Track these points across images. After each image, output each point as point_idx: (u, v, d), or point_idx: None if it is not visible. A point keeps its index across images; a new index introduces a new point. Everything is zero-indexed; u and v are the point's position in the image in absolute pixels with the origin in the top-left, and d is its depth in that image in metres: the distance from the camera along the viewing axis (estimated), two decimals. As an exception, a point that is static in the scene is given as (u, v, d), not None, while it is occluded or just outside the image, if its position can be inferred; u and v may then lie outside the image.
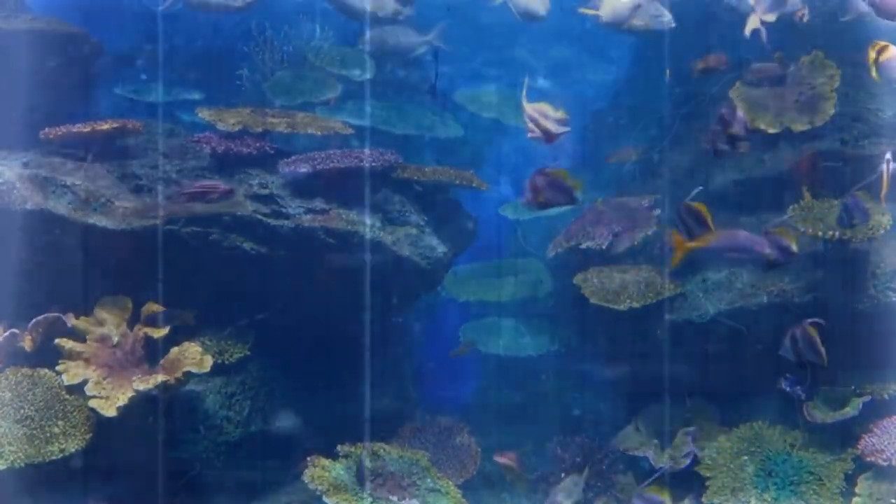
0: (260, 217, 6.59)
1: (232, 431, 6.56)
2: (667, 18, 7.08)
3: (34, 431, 5.86)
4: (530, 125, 5.38)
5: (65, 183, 6.41)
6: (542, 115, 5.36)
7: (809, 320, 5.89)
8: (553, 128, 5.36)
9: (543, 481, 7.02)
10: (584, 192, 8.47)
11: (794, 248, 5.85)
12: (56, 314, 6.25)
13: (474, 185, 7.30)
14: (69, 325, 6.25)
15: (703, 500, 6.36)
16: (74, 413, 5.96)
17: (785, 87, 7.13)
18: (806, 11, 7.13)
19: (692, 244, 5.67)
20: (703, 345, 6.94)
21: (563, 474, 6.94)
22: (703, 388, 7.05)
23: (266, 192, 6.70)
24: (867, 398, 6.48)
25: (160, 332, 6.33)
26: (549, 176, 5.04)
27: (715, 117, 5.55)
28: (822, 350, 5.90)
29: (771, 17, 6.84)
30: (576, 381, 8.23)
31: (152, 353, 6.34)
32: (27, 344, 6.18)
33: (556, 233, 7.96)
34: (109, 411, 5.86)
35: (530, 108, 5.38)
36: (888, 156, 6.25)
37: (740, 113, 5.36)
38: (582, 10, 7.47)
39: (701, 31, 7.87)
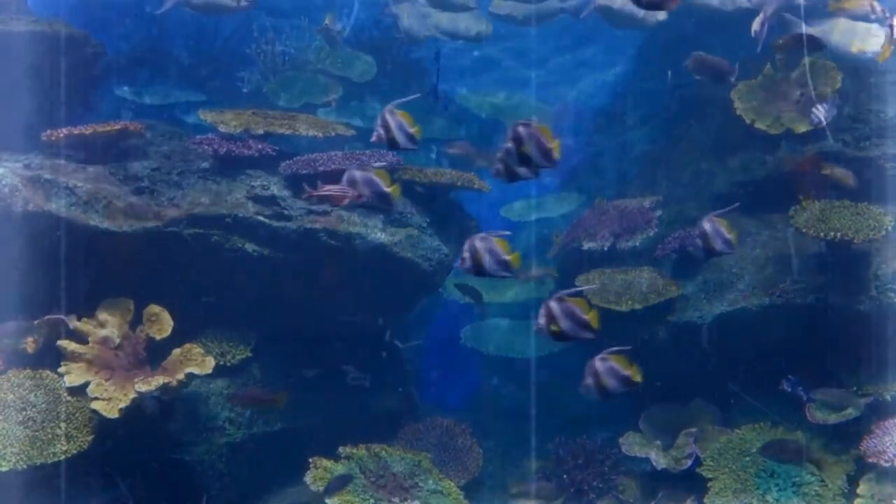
0: (262, 219, 6.59)
1: (234, 433, 6.56)
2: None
3: (36, 433, 5.86)
4: (379, 131, 5.28)
5: (66, 185, 6.41)
6: (398, 124, 5.24)
7: (717, 212, 5.82)
8: (400, 140, 5.26)
9: (545, 482, 7.02)
10: (587, 193, 8.55)
11: (733, 238, 5.73)
12: (58, 316, 6.25)
13: (476, 186, 7.30)
14: (71, 326, 6.26)
15: (705, 500, 6.36)
16: (76, 415, 5.96)
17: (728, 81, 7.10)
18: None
19: None
20: (705, 345, 6.93)
21: (564, 476, 6.95)
22: (704, 388, 7.05)
23: (268, 193, 6.71)
24: (869, 399, 6.48)
25: (162, 334, 6.34)
26: (488, 241, 4.99)
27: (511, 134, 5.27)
28: (731, 237, 5.73)
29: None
30: (577, 382, 8.22)
31: (154, 355, 6.36)
32: (29, 346, 6.19)
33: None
34: (111, 413, 5.86)
35: (389, 114, 5.24)
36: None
37: (535, 130, 4.97)
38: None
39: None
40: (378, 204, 5.61)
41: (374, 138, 5.35)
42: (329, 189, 5.95)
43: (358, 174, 5.52)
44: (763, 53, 7.23)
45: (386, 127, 5.26)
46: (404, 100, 5.47)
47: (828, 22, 7.25)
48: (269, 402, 6.45)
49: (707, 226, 5.71)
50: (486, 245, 4.93)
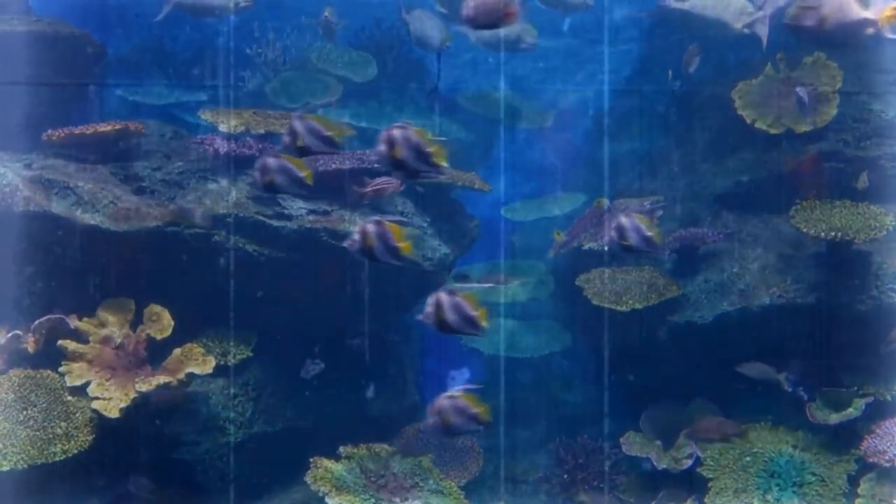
0: (262, 218, 6.59)
1: (234, 433, 6.56)
2: None
3: (37, 433, 5.86)
4: (284, 139, 5.12)
5: (67, 184, 6.42)
6: (310, 130, 5.05)
7: (648, 205, 5.71)
8: (311, 144, 5.12)
9: (546, 482, 7.02)
10: (587, 193, 8.53)
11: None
12: (59, 316, 6.25)
13: (476, 186, 7.30)
14: (72, 326, 6.26)
15: (706, 500, 6.36)
16: (77, 414, 5.97)
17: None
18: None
19: None
20: (705, 345, 6.93)
21: (565, 476, 6.95)
22: (705, 388, 7.05)
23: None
24: (870, 399, 6.48)
25: (163, 334, 6.34)
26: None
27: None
28: (651, 235, 5.56)
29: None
30: (577, 383, 8.23)
31: (155, 355, 6.36)
32: (30, 345, 6.19)
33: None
34: (112, 413, 5.86)
35: (298, 121, 5.07)
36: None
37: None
38: None
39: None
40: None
41: (279, 148, 5.27)
42: (377, 183, 5.95)
43: (271, 161, 5.32)
44: (764, 54, 7.25)
45: (293, 134, 5.08)
46: (323, 102, 5.33)
47: None
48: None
49: (624, 220, 5.55)
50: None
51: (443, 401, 4.89)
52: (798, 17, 6.96)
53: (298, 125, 5.08)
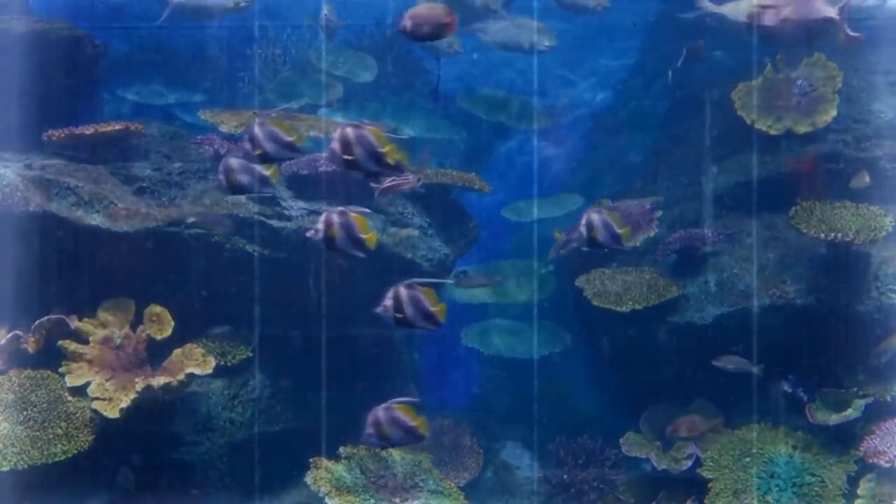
0: (262, 219, 6.59)
1: (235, 433, 6.56)
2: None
3: (37, 433, 5.86)
4: (245, 145, 5.04)
5: (67, 185, 6.42)
6: (270, 136, 4.96)
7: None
8: (272, 150, 5.01)
9: (546, 482, 7.03)
10: (588, 194, 8.53)
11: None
12: (59, 316, 6.25)
13: (477, 187, 7.30)
14: (72, 326, 6.26)
15: (706, 501, 6.36)
16: (77, 415, 5.97)
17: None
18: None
19: None
20: (705, 346, 6.93)
21: (565, 476, 6.96)
22: (705, 389, 7.05)
23: (269, 193, 6.70)
24: (869, 400, 6.48)
25: (163, 334, 6.34)
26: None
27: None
28: (621, 233, 5.46)
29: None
30: (578, 383, 8.24)
31: (155, 355, 6.36)
32: (30, 346, 6.19)
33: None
34: (112, 413, 5.86)
35: (258, 126, 4.98)
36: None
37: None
38: None
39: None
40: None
41: (239, 154, 5.22)
42: (395, 180, 5.95)
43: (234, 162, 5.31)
44: (765, 53, 7.26)
45: (252, 140, 5.01)
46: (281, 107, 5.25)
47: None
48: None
49: (594, 216, 5.48)
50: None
51: (379, 412, 4.84)
52: (757, 17, 6.95)
53: (258, 131, 5.01)
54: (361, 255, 4.92)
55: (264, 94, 8.27)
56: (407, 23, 4.97)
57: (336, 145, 4.74)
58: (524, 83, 9.20)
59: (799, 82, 6.95)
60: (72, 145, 6.76)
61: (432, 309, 4.72)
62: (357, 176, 5.03)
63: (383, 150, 4.73)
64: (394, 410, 4.84)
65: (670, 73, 8.11)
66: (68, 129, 6.72)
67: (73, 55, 7.34)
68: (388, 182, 6.29)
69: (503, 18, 8.05)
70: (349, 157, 4.71)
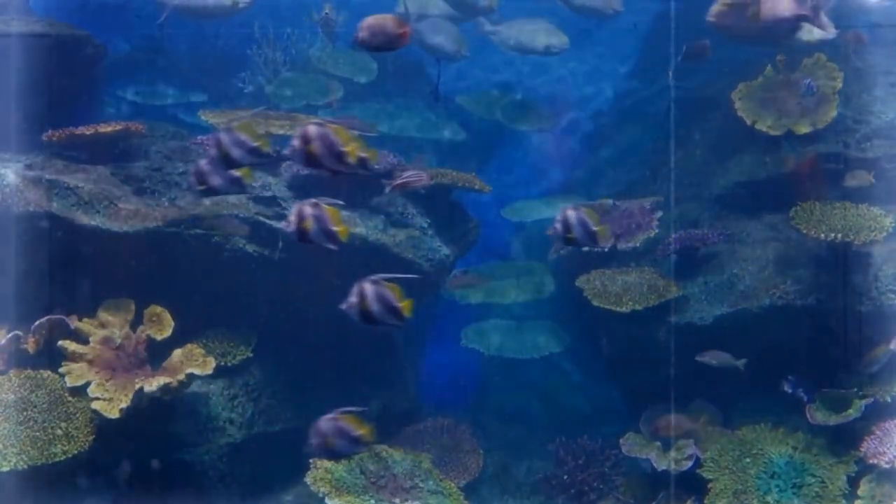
0: (262, 219, 6.59)
1: (235, 433, 6.56)
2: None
3: (37, 433, 5.86)
4: (211, 151, 5.01)
5: (68, 185, 6.42)
6: (236, 142, 4.90)
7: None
8: (237, 154, 4.90)
9: (546, 483, 7.02)
10: (588, 194, 8.53)
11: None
12: (59, 316, 6.25)
13: (477, 187, 7.30)
14: (72, 327, 6.26)
15: (706, 501, 6.36)
16: (77, 415, 5.97)
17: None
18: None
19: None
20: (705, 346, 6.92)
21: (565, 476, 6.96)
22: (705, 389, 7.05)
23: (269, 193, 6.71)
24: (869, 400, 6.48)
25: (163, 334, 6.34)
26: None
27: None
28: (598, 230, 5.38)
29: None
30: (578, 383, 8.24)
31: (155, 355, 6.36)
32: (30, 346, 6.19)
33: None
34: (112, 413, 5.86)
35: (224, 133, 4.93)
36: None
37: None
38: None
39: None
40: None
41: (206, 161, 5.21)
42: (407, 177, 5.91)
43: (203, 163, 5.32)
44: (766, 54, 7.26)
45: (218, 145, 4.95)
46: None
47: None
48: None
49: (570, 213, 5.40)
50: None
51: (323, 423, 4.80)
52: (723, 15, 6.94)
53: (224, 138, 4.97)
54: (334, 247, 4.86)
55: (264, 94, 8.28)
56: (362, 34, 4.94)
57: (297, 142, 4.68)
58: (524, 83, 9.22)
59: (806, 81, 6.94)
60: (72, 146, 6.76)
61: (398, 304, 4.66)
62: (324, 174, 4.97)
63: (344, 149, 4.67)
64: (338, 421, 4.79)
65: (670, 73, 8.11)
66: (68, 130, 6.71)
67: (73, 55, 7.34)
68: (400, 179, 6.26)
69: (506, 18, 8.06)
70: (312, 154, 4.67)
